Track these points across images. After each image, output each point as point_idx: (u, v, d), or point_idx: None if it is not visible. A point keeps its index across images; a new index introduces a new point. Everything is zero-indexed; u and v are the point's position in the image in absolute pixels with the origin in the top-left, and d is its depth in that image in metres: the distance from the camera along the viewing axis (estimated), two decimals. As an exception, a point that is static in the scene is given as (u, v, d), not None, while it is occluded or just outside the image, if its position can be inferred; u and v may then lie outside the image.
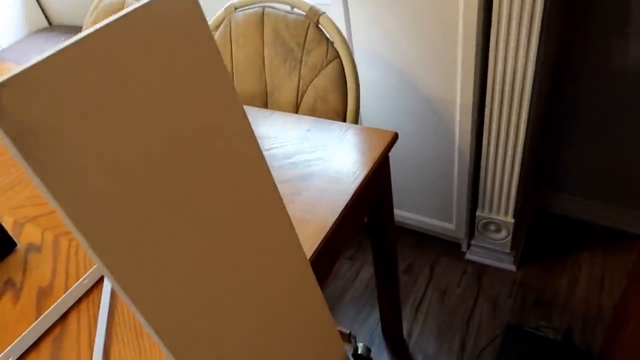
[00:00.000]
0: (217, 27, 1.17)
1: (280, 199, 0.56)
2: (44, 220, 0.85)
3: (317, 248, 0.72)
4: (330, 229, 0.75)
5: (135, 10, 0.42)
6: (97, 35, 0.39)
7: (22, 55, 2.01)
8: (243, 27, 1.12)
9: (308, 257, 0.71)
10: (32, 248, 0.80)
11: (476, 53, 1.11)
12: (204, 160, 0.47)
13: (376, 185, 0.93)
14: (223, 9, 1.16)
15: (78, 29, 2.25)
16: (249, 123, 0.51)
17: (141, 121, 0.42)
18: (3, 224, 0.79)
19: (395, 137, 0.92)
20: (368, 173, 0.84)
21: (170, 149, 0.44)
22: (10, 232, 0.81)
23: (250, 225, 0.53)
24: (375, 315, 1.40)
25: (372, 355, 1.31)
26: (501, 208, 1.37)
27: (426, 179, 1.44)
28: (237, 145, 0.50)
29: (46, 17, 2.45)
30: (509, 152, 1.24)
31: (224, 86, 0.49)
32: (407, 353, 1.31)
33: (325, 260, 0.77)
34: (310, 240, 0.74)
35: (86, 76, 0.37)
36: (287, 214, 0.58)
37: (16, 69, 0.34)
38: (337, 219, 0.76)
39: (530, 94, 1.12)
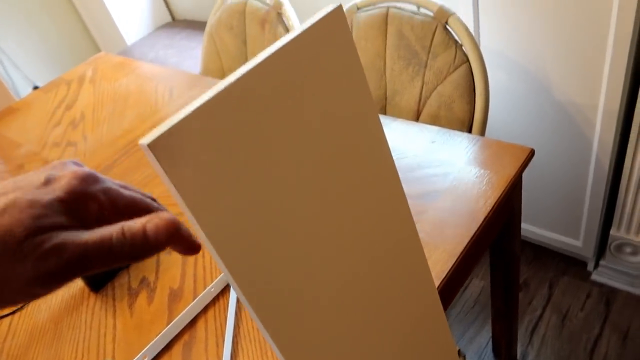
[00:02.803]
0: (338, 28, 1.14)
1: (413, 222, 0.53)
2: (174, 221, 0.89)
3: (446, 276, 0.68)
4: (460, 255, 0.70)
5: (288, 43, 0.41)
6: (253, 74, 0.38)
7: (150, 51, 2.15)
8: (365, 28, 1.08)
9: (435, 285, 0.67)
10: (163, 249, 0.85)
11: (631, 48, 0.98)
12: (340, 178, 0.45)
13: (507, 208, 0.85)
14: (345, 9, 1.13)
15: (199, 23, 2.36)
16: (386, 141, 0.48)
17: (284, 147, 0.40)
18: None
19: (531, 154, 0.84)
20: (501, 195, 0.77)
21: (311, 168, 0.42)
22: (144, 231, 0.86)
23: (380, 246, 0.51)
24: (485, 334, 1.33)
25: (482, 375, 1.24)
26: (642, 229, 1.21)
27: (553, 191, 1.31)
28: (372, 162, 0.48)
29: (170, 12, 2.61)
30: (658, 168, 1.09)
31: (366, 106, 0.47)
32: (521, 378, 1.22)
33: (450, 288, 0.72)
34: (437, 266, 0.69)
35: (242, 115, 0.36)
36: (418, 237, 0.54)
37: (173, 119, 0.33)
38: (467, 245, 0.71)
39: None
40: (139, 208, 0.31)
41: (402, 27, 1.02)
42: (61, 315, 0.80)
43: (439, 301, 0.59)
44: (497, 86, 1.21)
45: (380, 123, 0.50)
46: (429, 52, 1.00)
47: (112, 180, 0.32)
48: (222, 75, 1.48)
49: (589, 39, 1.02)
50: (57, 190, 0.28)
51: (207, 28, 1.48)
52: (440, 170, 0.85)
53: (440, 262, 0.70)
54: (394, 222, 0.53)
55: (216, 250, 0.36)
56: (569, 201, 1.30)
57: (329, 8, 0.44)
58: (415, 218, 0.77)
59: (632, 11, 0.93)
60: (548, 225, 1.40)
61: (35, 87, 2.63)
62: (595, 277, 1.40)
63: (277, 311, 0.42)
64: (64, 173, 0.29)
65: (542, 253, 1.50)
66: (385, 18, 1.04)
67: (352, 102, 0.47)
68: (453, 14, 0.97)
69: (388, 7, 1.04)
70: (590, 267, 1.42)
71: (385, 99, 1.10)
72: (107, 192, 0.30)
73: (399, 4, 1.05)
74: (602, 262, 1.37)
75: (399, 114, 1.08)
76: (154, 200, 0.34)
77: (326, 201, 0.45)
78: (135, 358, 0.66)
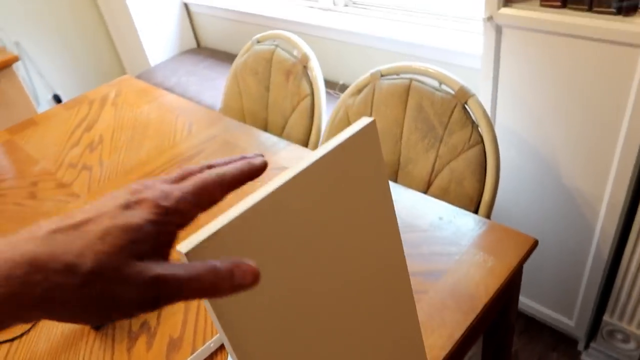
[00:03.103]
0: (360, 90, 1.18)
1: (414, 306, 0.56)
2: (180, 266, 0.91)
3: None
4: (457, 341, 0.72)
5: (324, 156, 0.43)
6: (287, 187, 0.41)
7: (172, 75, 2.21)
8: (386, 95, 1.12)
9: (429, 369, 0.68)
10: (167, 293, 0.86)
11: None
12: (353, 273, 0.48)
13: (507, 293, 0.87)
14: (369, 73, 1.17)
15: (223, 54, 2.42)
16: (399, 238, 0.52)
17: (309, 247, 0.43)
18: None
19: (534, 245, 0.86)
20: (502, 284, 0.79)
21: (329, 264, 0.45)
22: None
23: (383, 331, 0.53)
24: (471, 403, 1.32)
25: None
26: (635, 319, 1.23)
27: (551, 269, 1.33)
28: (385, 256, 0.52)
29: (196, 38, 2.68)
30: (656, 263, 1.11)
31: (386, 208, 0.50)
32: None
33: (444, 372, 0.74)
34: (434, 351, 0.71)
35: (273, 224, 0.39)
36: (418, 321, 0.57)
37: (210, 227, 0.36)
38: (464, 332, 0.73)
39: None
40: (210, 194, 0.34)
41: (423, 101, 1.06)
42: (59, 348, 0.81)
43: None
44: (508, 163, 1.25)
45: (397, 223, 0.53)
46: (445, 128, 1.03)
47: (178, 182, 0.35)
48: (242, 115, 1.52)
49: (600, 131, 1.06)
50: (142, 214, 0.31)
51: (233, 67, 1.53)
52: (444, 249, 0.87)
53: (436, 347, 0.71)
54: (397, 308, 0.55)
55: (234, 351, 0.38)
56: (566, 281, 1.32)
57: (363, 122, 0.47)
58: (415, 296, 0.79)
59: (644, 114, 0.97)
60: (543, 300, 1.42)
61: (55, 96, 2.68)
62: (584, 357, 1.40)
63: None
64: (142, 203, 0.31)
65: (534, 326, 1.51)
66: (407, 89, 1.08)
67: (374, 205, 0.50)
68: (473, 95, 1.01)
69: (411, 79, 1.09)
70: (580, 346, 1.43)
71: (398, 164, 1.13)
72: (180, 209, 0.32)
73: (422, 77, 1.09)
74: (592, 344, 1.38)
75: (409, 182, 1.11)
76: (243, 159, 0.37)
77: (340, 292, 0.47)
78: (129, 408, 0.67)
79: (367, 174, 0.48)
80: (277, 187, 0.40)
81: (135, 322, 0.82)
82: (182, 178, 0.35)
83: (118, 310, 0.29)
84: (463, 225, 0.91)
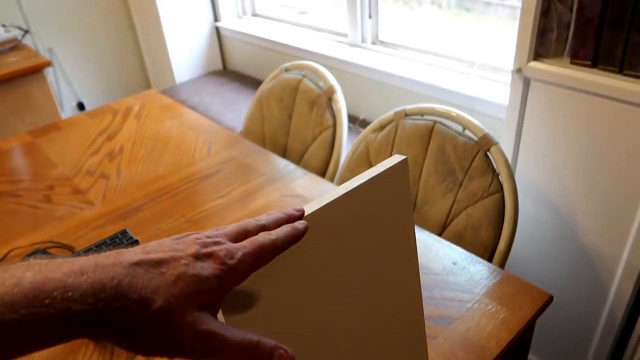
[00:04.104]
0: (383, 127, 1.19)
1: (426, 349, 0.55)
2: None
3: (445, 414, 0.67)
4: (463, 395, 0.69)
5: (355, 188, 0.44)
6: (317, 214, 0.41)
7: (196, 95, 2.24)
8: (409, 135, 1.13)
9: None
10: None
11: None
12: (372, 307, 0.48)
13: (516, 349, 0.85)
14: (393, 111, 1.18)
15: (247, 78, 2.46)
16: (418, 274, 0.51)
17: (333, 271, 0.44)
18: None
19: (549, 300, 0.84)
20: (513, 338, 0.77)
21: (348, 295, 0.46)
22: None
23: None
24: None
25: None
26: (645, 390, 1.18)
27: (561, 327, 1.30)
28: (404, 289, 0.52)
29: (223, 60, 2.73)
30: (671, 333, 1.08)
31: (409, 243, 0.50)
32: None
33: None
34: (439, 402, 0.68)
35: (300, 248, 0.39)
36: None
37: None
38: (472, 385, 0.70)
39: None
40: (264, 258, 0.36)
41: (445, 144, 1.06)
42: (57, 356, 0.80)
43: None
44: (524, 214, 1.23)
45: (417, 260, 0.52)
46: (466, 173, 1.03)
47: (235, 238, 0.37)
48: (262, 140, 1.53)
49: (621, 193, 1.04)
50: (211, 268, 0.33)
51: (258, 92, 1.55)
52: (457, 295, 0.85)
53: (442, 397, 0.69)
54: (408, 345, 0.55)
55: None
56: (576, 341, 1.28)
57: (396, 159, 0.48)
58: (425, 342, 0.77)
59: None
60: (550, 358, 1.37)
61: (80, 103, 2.73)
62: None
63: None
64: (211, 256, 0.34)
65: (538, 385, 1.46)
66: (430, 131, 1.09)
67: (398, 238, 0.49)
68: (496, 143, 1.01)
69: (435, 122, 1.09)
70: (585, 412, 1.37)
71: (414, 205, 1.12)
72: (239, 269, 0.34)
73: (446, 121, 1.09)
74: (598, 411, 1.33)
75: (424, 223, 1.10)
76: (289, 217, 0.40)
77: (354, 319, 0.47)
78: None
79: (395, 208, 0.48)
80: (308, 214, 0.40)
81: (136, 338, 0.81)
82: (239, 234, 0.37)
83: (165, 350, 0.31)
84: (477, 273, 0.89)
